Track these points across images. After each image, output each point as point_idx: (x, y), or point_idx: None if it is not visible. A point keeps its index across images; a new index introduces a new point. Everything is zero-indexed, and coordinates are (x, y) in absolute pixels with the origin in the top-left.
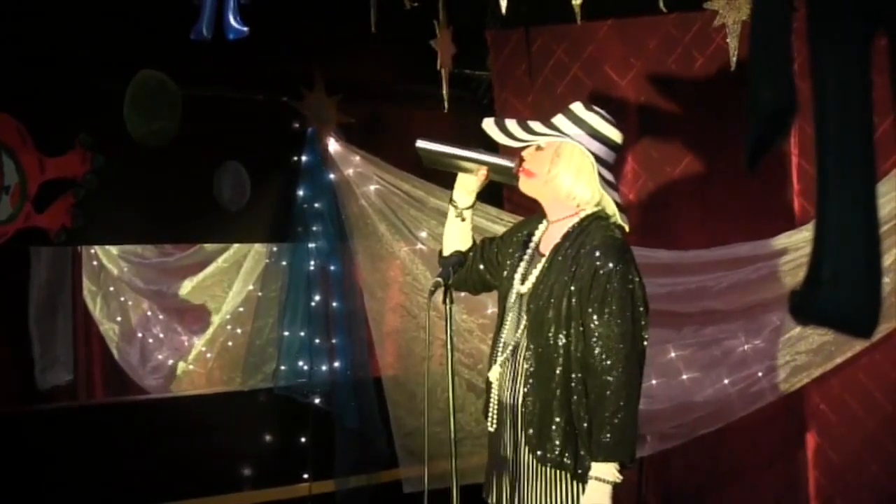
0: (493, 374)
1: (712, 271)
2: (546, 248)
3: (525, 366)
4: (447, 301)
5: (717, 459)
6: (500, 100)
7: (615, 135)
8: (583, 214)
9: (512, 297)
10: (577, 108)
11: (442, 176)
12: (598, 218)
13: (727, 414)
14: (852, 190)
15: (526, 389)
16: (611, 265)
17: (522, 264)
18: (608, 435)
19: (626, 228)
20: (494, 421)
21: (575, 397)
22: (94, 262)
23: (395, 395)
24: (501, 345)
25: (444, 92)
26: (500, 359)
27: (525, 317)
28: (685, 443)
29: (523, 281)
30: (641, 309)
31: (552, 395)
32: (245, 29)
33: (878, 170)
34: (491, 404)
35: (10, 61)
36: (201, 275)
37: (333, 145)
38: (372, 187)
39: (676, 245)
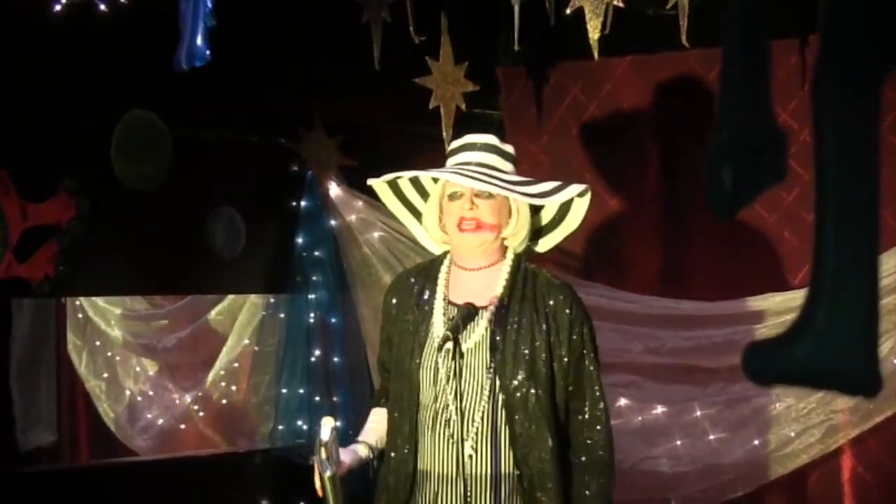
0: (466, 451)
1: (740, 324)
2: (464, 298)
3: (507, 430)
4: (456, 356)
5: None
6: (511, 141)
7: (511, 147)
8: (512, 256)
9: (432, 360)
10: (476, 137)
11: None
12: (522, 258)
13: (758, 477)
14: (853, 244)
15: (518, 456)
16: (578, 312)
17: (436, 322)
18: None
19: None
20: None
21: (566, 453)
22: (80, 315)
23: None
24: (454, 413)
25: (445, 133)
26: (470, 428)
27: (483, 377)
28: None
29: (451, 340)
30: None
31: (549, 456)
32: (208, 52)
33: None
34: (468, 486)
35: None
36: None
37: (334, 189)
38: (376, 234)
39: (700, 295)
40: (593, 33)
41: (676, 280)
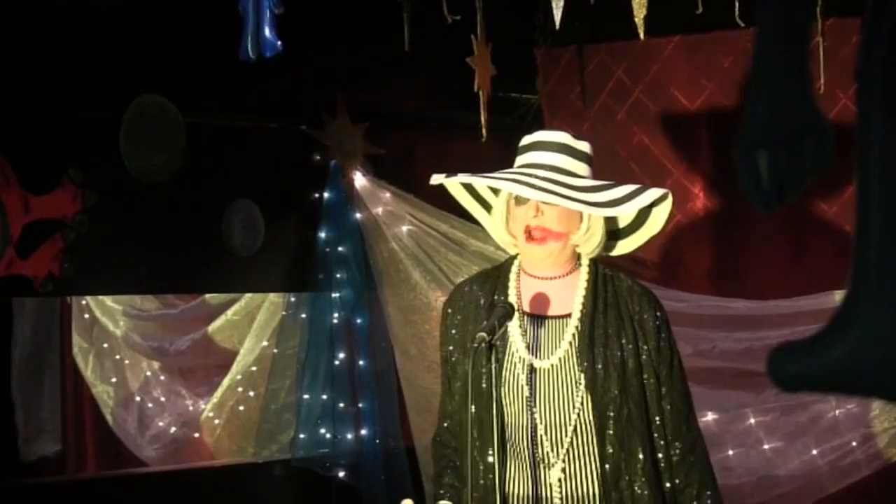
0: (555, 474)
1: (797, 324)
2: (540, 309)
3: (598, 450)
4: (491, 360)
5: None
6: (550, 128)
7: (587, 146)
8: (587, 263)
9: (518, 373)
10: (547, 135)
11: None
12: (598, 262)
13: (816, 490)
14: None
15: (608, 479)
16: (663, 318)
17: (514, 337)
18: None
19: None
20: None
21: (662, 466)
22: (86, 315)
23: (431, 467)
24: (542, 434)
25: (483, 118)
26: (560, 450)
27: (573, 393)
28: None
29: (540, 352)
30: None
31: (641, 477)
32: (279, 43)
33: None
34: None
35: None
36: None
37: (359, 180)
38: (404, 228)
39: (755, 294)
40: (638, 11)
41: (729, 277)
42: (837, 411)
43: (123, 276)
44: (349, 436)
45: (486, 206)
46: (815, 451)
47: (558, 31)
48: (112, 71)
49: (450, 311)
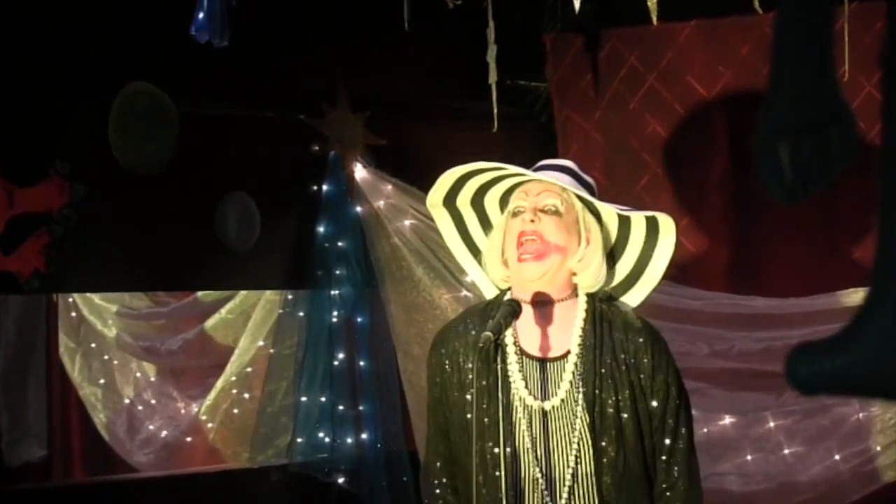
0: None
1: (819, 323)
2: (537, 346)
3: (596, 498)
4: (497, 360)
5: None
6: (560, 117)
7: (592, 180)
8: (585, 294)
9: (520, 415)
10: (554, 161)
11: None
12: (602, 295)
13: (838, 497)
14: None
15: None
16: (661, 358)
17: (514, 379)
18: None
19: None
20: None
21: None
22: (73, 314)
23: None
24: (541, 480)
25: (495, 109)
26: (559, 499)
27: (567, 437)
28: None
29: (540, 395)
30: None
31: None
32: (199, 17)
33: None
34: None
35: None
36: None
37: (360, 172)
38: (406, 222)
39: (774, 292)
40: None
41: (747, 275)
42: (860, 415)
43: (112, 272)
44: (349, 440)
45: (473, 249)
46: (837, 457)
47: (568, 15)
48: (101, 57)
49: (439, 353)
